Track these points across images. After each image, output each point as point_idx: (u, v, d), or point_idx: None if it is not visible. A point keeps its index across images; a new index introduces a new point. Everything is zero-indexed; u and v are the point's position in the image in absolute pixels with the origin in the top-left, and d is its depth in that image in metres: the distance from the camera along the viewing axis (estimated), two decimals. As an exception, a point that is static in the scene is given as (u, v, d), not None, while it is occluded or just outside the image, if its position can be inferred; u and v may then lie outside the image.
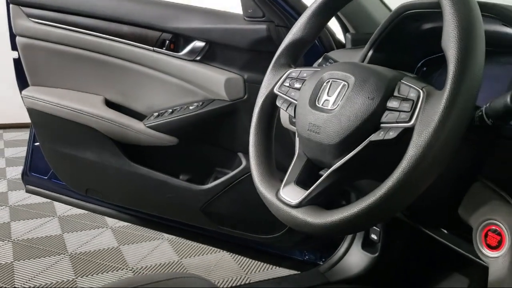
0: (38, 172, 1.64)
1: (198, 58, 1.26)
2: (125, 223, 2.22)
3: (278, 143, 0.78)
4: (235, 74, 1.24)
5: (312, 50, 1.14)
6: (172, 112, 1.31)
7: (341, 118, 0.59)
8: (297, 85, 0.71)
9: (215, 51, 1.26)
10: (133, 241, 2.10)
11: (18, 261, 1.90)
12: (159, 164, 1.38)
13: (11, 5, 1.39)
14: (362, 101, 0.58)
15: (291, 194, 0.64)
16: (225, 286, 1.08)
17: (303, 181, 0.66)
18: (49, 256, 1.95)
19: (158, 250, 2.02)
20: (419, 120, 0.51)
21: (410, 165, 0.49)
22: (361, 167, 0.59)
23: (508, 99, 0.54)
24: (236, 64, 1.24)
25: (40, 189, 1.67)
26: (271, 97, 0.75)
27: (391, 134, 0.54)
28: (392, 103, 0.56)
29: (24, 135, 3.61)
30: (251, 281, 1.75)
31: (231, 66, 1.25)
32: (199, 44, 1.26)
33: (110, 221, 2.27)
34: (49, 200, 2.33)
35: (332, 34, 1.18)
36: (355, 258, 1.20)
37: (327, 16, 0.73)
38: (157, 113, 1.34)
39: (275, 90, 0.74)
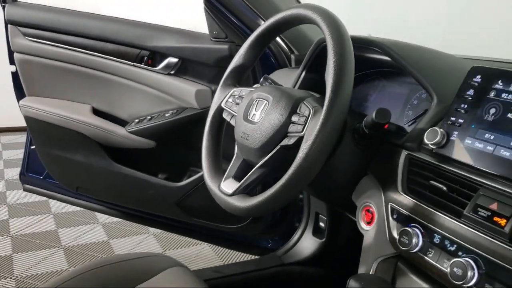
0: (34, 172, 1.81)
1: (172, 72, 1.45)
2: (115, 219, 2.41)
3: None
4: (204, 86, 1.43)
5: (269, 64, 1.35)
6: (150, 119, 1.49)
7: (262, 128, 0.79)
8: (237, 101, 0.91)
9: (187, 66, 1.44)
10: (122, 235, 2.28)
11: (17, 253, 2.08)
12: (139, 164, 1.55)
13: (9, 25, 1.57)
14: (275, 116, 0.78)
15: (229, 186, 0.84)
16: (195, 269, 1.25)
17: (238, 176, 0.85)
18: (45, 249, 2.13)
19: (144, 243, 2.21)
20: (307, 131, 0.71)
21: (298, 163, 0.68)
22: (276, 165, 0.79)
23: (373, 115, 0.74)
24: (204, 78, 1.43)
25: (36, 188, 1.84)
26: (219, 110, 0.94)
27: (292, 141, 0.74)
28: (294, 118, 0.75)
29: (20, 138, 3.75)
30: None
31: (201, 79, 1.44)
32: (173, 60, 1.44)
33: (101, 217, 2.45)
34: (44, 199, 2.53)
35: (286, 52, 1.37)
36: (306, 243, 1.40)
37: (260, 47, 0.92)
38: (137, 120, 1.52)
39: (222, 105, 0.93)
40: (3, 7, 1.57)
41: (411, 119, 0.90)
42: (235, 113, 0.89)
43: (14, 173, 3.02)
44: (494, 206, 0.58)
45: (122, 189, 1.61)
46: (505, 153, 0.60)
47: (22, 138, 3.74)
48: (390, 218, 0.72)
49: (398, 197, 0.72)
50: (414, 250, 0.66)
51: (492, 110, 0.63)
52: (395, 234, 0.69)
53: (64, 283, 0.97)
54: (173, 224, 1.67)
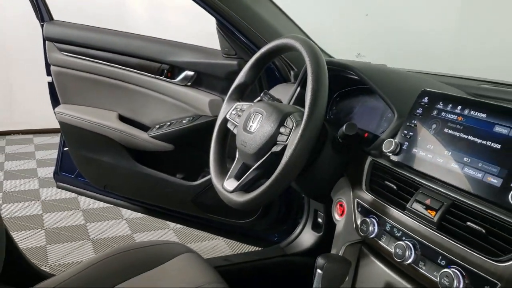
0: (67, 171, 2.01)
1: (189, 83, 1.63)
2: (138, 215, 2.61)
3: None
4: (216, 96, 1.61)
5: (274, 77, 1.52)
6: (169, 125, 1.68)
7: (256, 137, 0.97)
8: (239, 114, 1.08)
9: (202, 79, 1.63)
10: (144, 230, 2.49)
11: (50, 244, 2.30)
12: (159, 165, 1.74)
13: (46, 42, 1.78)
14: (267, 127, 0.95)
15: (230, 184, 1.02)
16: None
17: (238, 176, 1.03)
18: (75, 241, 2.35)
19: (164, 237, 2.40)
20: (290, 140, 0.88)
21: (282, 167, 0.86)
22: (267, 167, 0.96)
23: (344, 128, 0.91)
24: (217, 89, 1.61)
25: (68, 185, 2.05)
26: (225, 121, 1.12)
27: (279, 148, 0.91)
28: (282, 130, 0.93)
29: (51, 139, 4.01)
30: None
31: (213, 90, 1.62)
32: (189, 73, 1.63)
33: (125, 213, 2.66)
34: (74, 196, 2.76)
35: (287, 68, 1.53)
36: (306, 236, 1.57)
37: (259, 69, 1.10)
38: (158, 126, 1.70)
39: (227, 116, 1.11)
40: (42, 26, 1.78)
41: (385, 130, 1.06)
42: (237, 123, 1.07)
43: (46, 172, 3.26)
44: (428, 201, 0.74)
45: (144, 187, 1.80)
46: (440, 160, 0.76)
47: (53, 139, 3.99)
48: (356, 211, 0.89)
49: (362, 194, 0.89)
50: (371, 236, 0.83)
51: (434, 126, 0.80)
52: (359, 224, 0.86)
53: (90, 267, 1.16)
54: (190, 219, 1.86)
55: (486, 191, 0.67)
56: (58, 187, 2.08)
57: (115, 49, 1.70)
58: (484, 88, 1.06)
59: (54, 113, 1.86)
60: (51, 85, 1.86)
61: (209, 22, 1.54)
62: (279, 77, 1.53)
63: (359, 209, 0.88)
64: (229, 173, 1.05)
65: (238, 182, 1.00)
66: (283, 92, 1.28)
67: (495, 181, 0.67)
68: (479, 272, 0.64)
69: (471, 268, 0.65)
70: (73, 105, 1.83)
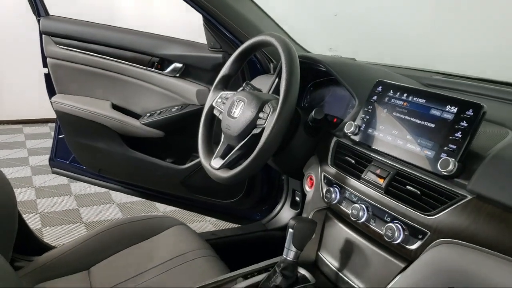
0: (62, 158, 2.13)
1: (178, 75, 1.78)
2: (128, 200, 2.76)
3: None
4: (203, 86, 1.76)
5: (255, 69, 1.67)
6: (159, 113, 1.82)
7: (239, 122, 1.12)
8: (224, 101, 1.24)
9: (189, 70, 1.77)
10: (134, 214, 2.63)
11: (45, 227, 2.43)
12: (150, 150, 1.88)
13: (43, 35, 1.90)
14: (248, 113, 1.10)
15: (216, 162, 1.17)
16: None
17: (223, 155, 1.18)
18: (68, 224, 2.48)
19: (154, 219, 2.55)
20: (267, 124, 1.04)
21: (260, 146, 1.01)
22: (249, 147, 1.11)
23: (313, 113, 1.07)
24: (203, 80, 1.76)
25: (63, 171, 2.17)
26: (211, 108, 1.27)
27: (258, 131, 1.07)
28: (260, 115, 1.08)
29: (41, 129, 4.11)
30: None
31: (200, 80, 1.77)
32: (178, 65, 1.77)
33: (116, 198, 2.80)
34: (66, 182, 2.89)
35: (272, 61, 1.68)
36: (285, 213, 1.73)
37: (241, 62, 1.25)
38: (149, 114, 1.84)
39: (213, 104, 1.27)
40: (38, 20, 1.89)
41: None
42: (222, 110, 1.22)
43: (37, 160, 3.37)
44: (378, 171, 0.91)
45: (136, 171, 1.94)
46: (389, 138, 0.93)
47: (42, 129, 4.09)
48: (322, 183, 1.05)
49: (328, 168, 1.05)
50: (334, 202, 0.99)
51: (385, 110, 0.96)
52: (324, 192, 1.03)
53: (90, 239, 1.31)
54: (179, 200, 2.01)
55: (422, 161, 0.84)
56: (53, 172, 2.20)
57: (109, 42, 1.83)
58: (436, 79, 1.23)
59: (51, 102, 1.97)
60: (47, 76, 1.98)
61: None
62: (260, 69, 1.68)
63: (325, 181, 1.05)
64: (215, 153, 1.20)
65: (224, 161, 1.15)
66: (264, 83, 1.43)
67: (429, 153, 0.83)
68: (415, 224, 0.81)
69: (409, 222, 0.82)
70: (69, 95, 1.95)
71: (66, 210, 2.65)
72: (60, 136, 2.10)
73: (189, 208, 2.05)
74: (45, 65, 1.96)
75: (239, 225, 1.87)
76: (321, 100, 1.37)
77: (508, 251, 0.68)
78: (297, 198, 1.70)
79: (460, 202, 0.75)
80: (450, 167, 0.77)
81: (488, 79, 1.21)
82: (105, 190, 2.85)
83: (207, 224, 2.52)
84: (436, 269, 0.75)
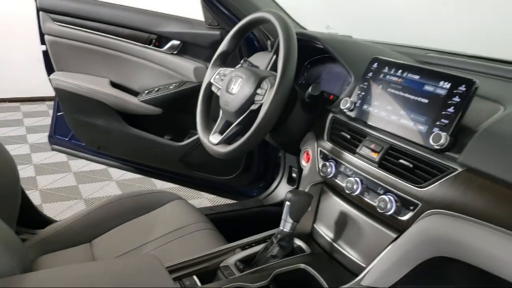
0: (61, 135, 2.14)
1: (175, 52, 1.78)
2: (127, 177, 2.79)
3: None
4: (200, 63, 1.76)
5: (253, 47, 1.68)
6: (157, 90, 1.83)
7: (237, 98, 1.14)
8: (222, 78, 1.25)
9: (187, 48, 1.78)
10: (133, 190, 2.65)
11: (46, 203, 2.47)
12: (149, 127, 1.89)
13: (40, 12, 1.90)
14: (246, 89, 1.12)
15: (215, 138, 1.19)
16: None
17: (222, 131, 1.20)
18: (68, 200, 2.52)
19: (152, 196, 2.58)
20: (265, 99, 1.06)
21: (258, 122, 1.03)
22: (247, 123, 1.13)
23: (310, 89, 1.09)
24: (201, 57, 1.77)
25: (63, 148, 2.19)
26: (209, 84, 1.29)
27: (256, 107, 1.09)
28: (258, 91, 1.10)
29: (38, 107, 4.11)
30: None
31: (198, 58, 1.77)
32: (175, 42, 1.78)
33: (114, 175, 2.83)
34: (65, 160, 2.91)
35: (269, 38, 1.69)
36: (282, 189, 1.77)
37: (239, 39, 1.26)
38: (147, 91, 1.85)
39: (211, 81, 1.28)
40: (35, -3, 1.89)
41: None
42: (220, 86, 1.24)
43: (36, 138, 3.39)
44: (372, 146, 0.94)
45: (134, 148, 1.96)
46: (383, 113, 0.95)
47: (39, 107, 4.10)
48: (318, 157, 1.08)
49: (324, 143, 1.08)
50: (330, 176, 1.02)
51: (380, 86, 0.98)
52: (320, 167, 1.06)
53: (92, 212, 1.34)
54: (177, 177, 2.04)
55: (415, 136, 0.87)
56: (53, 149, 2.21)
57: (106, 19, 1.83)
58: (430, 56, 1.24)
59: (49, 79, 1.98)
60: (45, 53, 1.98)
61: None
62: (258, 46, 1.69)
63: (321, 156, 1.08)
64: (214, 129, 1.23)
65: (222, 136, 1.17)
66: (261, 59, 1.44)
67: (422, 128, 0.86)
68: (406, 196, 0.84)
69: (401, 194, 0.85)
70: (67, 72, 1.95)
71: (66, 186, 2.68)
72: (59, 114, 2.11)
73: (187, 184, 2.08)
74: (42, 42, 1.95)
75: (237, 201, 1.90)
76: (318, 77, 1.39)
77: (496, 221, 0.71)
78: (294, 175, 1.73)
79: (451, 175, 0.78)
80: (442, 141, 0.80)
81: (482, 56, 1.23)
82: (104, 167, 2.88)
83: (205, 201, 2.56)
84: (426, 238, 0.78)
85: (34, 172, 2.83)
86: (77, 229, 1.31)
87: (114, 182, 2.76)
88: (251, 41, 1.68)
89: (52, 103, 4.08)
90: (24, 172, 2.82)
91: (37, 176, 2.79)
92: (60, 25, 1.88)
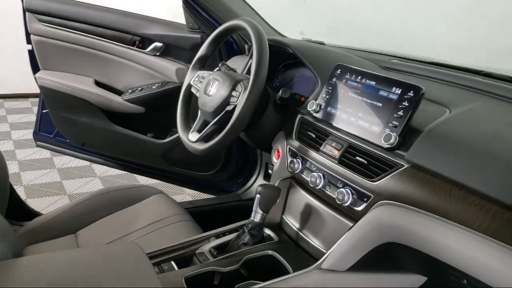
0: (46, 131, 2.20)
1: (158, 53, 1.86)
2: (110, 173, 2.86)
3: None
4: (182, 65, 1.85)
5: (231, 50, 1.77)
6: (141, 90, 1.91)
7: (214, 99, 1.23)
8: (201, 80, 1.34)
9: (169, 49, 1.86)
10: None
11: (30, 198, 2.52)
12: (132, 125, 1.97)
13: (27, 12, 1.96)
14: (222, 91, 1.22)
15: (193, 136, 1.29)
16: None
17: (200, 130, 1.29)
18: (52, 196, 2.58)
19: (135, 192, 2.66)
20: (239, 101, 1.16)
21: (233, 120, 1.13)
22: (222, 123, 1.22)
23: (280, 92, 1.19)
24: (183, 59, 1.85)
25: (47, 144, 2.25)
26: (189, 86, 1.38)
27: (231, 108, 1.18)
28: (233, 93, 1.20)
29: (21, 104, 4.13)
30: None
31: (180, 59, 1.86)
32: (158, 44, 1.86)
33: (98, 171, 2.89)
34: (49, 156, 2.97)
35: (247, 42, 1.78)
36: (258, 184, 1.86)
37: (217, 44, 1.35)
38: (130, 90, 1.93)
39: (191, 82, 1.37)
40: (22, -2, 1.95)
41: (316, 94, 1.35)
42: (199, 88, 1.33)
43: (20, 134, 3.42)
44: (334, 144, 1.04)
45: (118, 145, 2.04)
46: (344, 115, 1.05)
47: (23, 104, 4.12)
48: (287, 154, 1.18)
49: (292, 142, 1.18)
50: (297, 172, 1.13)
51: (342, 91, 1.08)
52: (289, 163, 1.16)
53: (77, 206, 1.42)
54: (159, 173, 2.12)
55: (370, 136, 0.97)
56: (37, 145, 2.27)
57: (91, 21, 1.90)
58: (393, 62, 1.35)
59: (35, 78, 2.04)
60: (31, 52, 2.04)
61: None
62: (237, 49, 1.79)
63: (290, 153, 1.18)
64: (192, 127, 1.32)
65: (200, 134, 1.27)
66: (239, 63, 1.54)
67: (376, 128, 0.97)
68: (361, 189, 0.95)
69: (357, 187, 0.96)
70: (52, 71, 2.02)
71: (50, 182, 2.74)
72: (44, 111, 2.17)
73: (169, 180, 2.16)
74: (29, 41, 2.02)
75: (216, 196, 1.99)
76: (291, 80, 1.49)
77: (433, 209, 0.82)
78: (270, 171, 1.83)
79: (398, 170, 0.89)
80: (392, 140, 0.91)
81: (439, 63, 1.34)
82: (88, 164, 2.95)
83: (186, 196, 2.64)
84: (376, 225, 0.89)
85: (18, 168, 2.88)
86: (63, 221, 1.39)
87: (98, 178, 2.83)
88: (230, 45, 1.77)
89: (35, 99, 4.13)
90: (9, 168, 2.85)
91: (21, 172, 2.84)
92: (46, 25, 1.94)
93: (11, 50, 3.90)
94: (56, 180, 2.78)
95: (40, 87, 2.04)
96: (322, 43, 1.61)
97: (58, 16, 1.92)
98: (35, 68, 2.06)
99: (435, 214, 0.82)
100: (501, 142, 0.84)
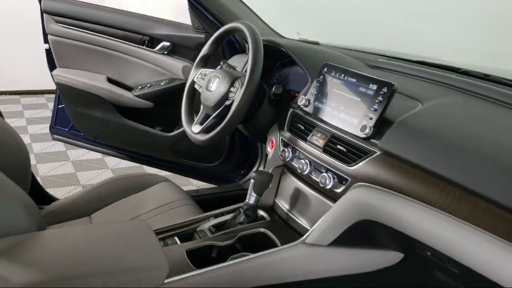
0: (61, 125, 2.35)
1: (166, 52, 2.00)
2: (121, 166, 3.00)
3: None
4: (188, 63, 1.99)
5: (234, 49, 1.90)
6: (150, 86, 2.05)
7: (214, 94, 1.36)
8: (203, 77, 1.48)
9: (176, 48, 2.00)
10: (127, 177, 2.88)
11: (46, 188, 2.65)
12: (141, 119, 2.11)
13: (44, 14, 2.11)
14: (222, 87, 1.35)
15: (196, 128, 1.42)
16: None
17: (202, 122, 1.43)
18: (67, 186, 2.73)
19: (145, 183, 2.80)
20: (236, 97, 1.29)
21: (230, 114, 1.25)
22: (222, 116, 1.35)
23: (273, 88, 1.32)
24: (188, 57, 1.99)
25: (63, 137, 2.40)
26: (193, 82, 1.51)
27: (229, 102, 1.31)
28: (232, 89, 1.32)
29: (37, 100, 4.30)
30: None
31: (186, 58, 2.00)
32: (166, 44, 2.00)
33: (110, 164, 3.04)
34: (64, 149, 3.13)
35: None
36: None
37: (218, 44, 1.48)
38: (140, 87, 2.07)
39: (194, 79, 1.51)
40: (40, 0, 2.10)
41: (308, 90, 1.47)
42: (202, 85, 1.46)
43: (36, 129, 3.59)
44: (319, 135, 1.17)
45: (128, 138, 2.17)
46: (329, 109, 1.18)
47: (39, 100, 4.29)
48: (280, 144, 1.31)
49: (284, 133, 1.31)
50: (288, 160, 1.26)
51: (328, 87, 1.21)
52: (281, 152, 1.29)
53: (91, 191, 1.57)
54: (167, 164, 2.26)
55: (349, 127, 1.10)
56: (53, 139, 2.42)
57: (104, 22, 2.04)
58: (379, 61, 1.48)
59: (51, 75, 2.19)
60: (48, 51, 2.19)
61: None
62: (239, 48, 1.91)
63: (282, 143, 1.31)
64: (195, 120, 1.45)
65: (202, 126, 1.40)
66: (240, 61, 1.67)
67: (355, 120, 1.09)
68: (340, 173, 1.08)
69: (337, 171, 1.09)
70: (68, 69, 2.17)
71: (65, 174, 2.89)
72: (59, 106, 2.32)
73: (176, 171, 2.30)
74: (46, 41, 2.17)
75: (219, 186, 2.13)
76: (286, 77, 1.62)
77: (400, 190, 0.94)
78: (269, 162, 1.96)
79: (372, 156, 1.02)
80: (367, 130, 1.03)
81: (420, 61, 1.46)
82: (100, 156, 3.10)
83: (193, 187, 2.78)
84: (352, 204, 1.02)
85: (34, 161, 3.04)
86: (78, 205, 1.53)
87: (109, 170, 2.98)
88: (233, 44, 1.90)
89: (50, 95, 4.30)
90: (26, 160, 3.02)
91: (38, 164, 3.00)
92: (62, 26, 2.09)
93: (27, 48, 4.07)
94: (71, 171, 2.93)
95: (57, 83, 2.19)
96: (316, 43, 1.73)
97: (73, 17, 2.07)
98: (51, 66, 2.21)
99: (401, 194, 0.94)
100: (463, 132, 0.97)
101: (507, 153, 0.85)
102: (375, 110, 1.05)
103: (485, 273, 0.79)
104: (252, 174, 1.21)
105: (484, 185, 0.81)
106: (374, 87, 1.08)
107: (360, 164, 1.03)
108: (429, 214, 0.88)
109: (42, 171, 2.91)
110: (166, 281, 0.96)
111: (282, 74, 1.63)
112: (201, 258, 1.11)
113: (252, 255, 1.05)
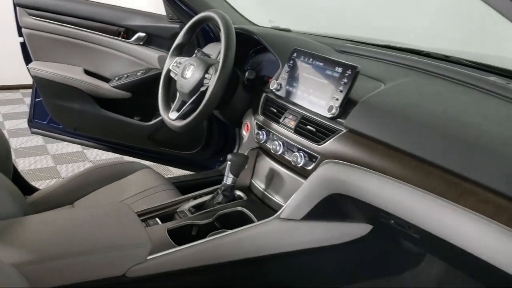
0: (40, 119, 2.36)
1: (141, 43, 2.04)
2: (101, 157, 3.03)
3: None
4: (163, 52, 2.02)
5: (208, 37, 1.95)
6: (126, 77, 2.08)
7: (189, 81, 1.41)
8: (179, 65, 1.52)
9: (152, 39, 2.03)
10: (108, 169, 2.90)
11: (27, 182, 2.69)
12: (120, 110, 2.14)
13: (17, 7, 2.12)
14: (197, 74, 1.40)
15: (173, 115, 1.47)
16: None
17: (178, 109, 1.48)
18: (48, 180, 2.75)
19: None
20: (210, 83, 1.34)
21: (205, 100, 1.31)
22: (198, 102, 1.41)
23: (247, 74, 1.38)
24: (164, 47, 2.03)
25: (42, 131, 2.41)
26: (168, 71, 1.56)
27: (204, 88, 1.37)
28: (206, 76, 1.38)
29: (13, 95, 4.26)
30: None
31: (161, 48, 2.03)
32: (141, 34, 2.03)
33: (90, 156, 3.07)
34: (42, 143, 3.13)
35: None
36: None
37: (191, 33, 1.53)
38: (117, 77, 2.09)
39: (170, 67, 1.55)
40: (12, -7, 2.11)
41: (280, 75, 1.54)
42: (177, 73, 1.51)
43: (13, 124, 3.57)
44: (290, 117, 1.24)
45: (107, 128, 2.20)
46: (299, 92, 1.25)
47: (14, 95, 4.25)
48: (254, 127, 1.38)
49: (258, 117, 1.37)
50: (262, 142, 1.32)
51: (298, 71, 1.28)
52: (255, 135, 1.36)
53: (71, 181, 1.60)
54: (146, 153, 2.30)
55: (318, 108, 1.17)
56: (32, 132, 2.42)
57: (78, 14, 2.06)
58: (347, 46, 1.55)
59: (27, 68, 2.20)
60: (23, 45, 2.20)
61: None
62: (213, 37, 1.96)
63: (256, 126, 1.37)
64: (172, 107, 1.50)
65: (179, 113, 1.45)
66: (214, 49, 1.72)
67: (323, 102, 1.16)
68: (310, 152, 1.15)
69: (308, 150, 1.16)
70: (44, 62, 2.18)
71: (45, 167, 2.90)
72: (37, 100, 2.33)
73: (156, 160, 2.35)
74: (20, 34, 2.17)
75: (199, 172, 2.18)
76: (259, 63, 1.68)
77: (364, 164, 1.02)
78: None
79: (338, 134, 1.09)
80: (333, 111, 1.10)
81: (385, 44, 1.54)
82: (80, 149, 3.11)
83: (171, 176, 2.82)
84: (321, 180, 1.09)
85: (13, 155, 3.03)
86: (61, 194, 1.57)
87: (90, 162, 3.00)
88: (207, 33, 1.95)
89: (26, 91, 4.27)
90: (4, 155, 3.02)
91: (17, 159, 3.00)
92: (36, 19, 2.10)
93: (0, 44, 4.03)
94: (51, 165, 2.94)
95: (33, 77, 2.20)
96: (288, 30, 1.79)
97: (46, 10, 2.08)
98: (27, 60, 2.21)
99: (365, 167, 1.02)
100: (420, 108, 1.04)
101: (457, 124, 0.93)
102: (341, 91, 1.12)
103: (440, 234, 0.87)
104: (229, 156, 1.27)
105: (438, 155, 0.89)
106: (340, 70, 1.15)
107: (328, 142, 1.10)
108: (389, 184, 0.96)
109: (22, 165, 2.91)
110: (148, 257, 1.02)
111: (256, 60, 1.69)
112: (181, 236, 1.17)
113: (230, 231, 1.12)
